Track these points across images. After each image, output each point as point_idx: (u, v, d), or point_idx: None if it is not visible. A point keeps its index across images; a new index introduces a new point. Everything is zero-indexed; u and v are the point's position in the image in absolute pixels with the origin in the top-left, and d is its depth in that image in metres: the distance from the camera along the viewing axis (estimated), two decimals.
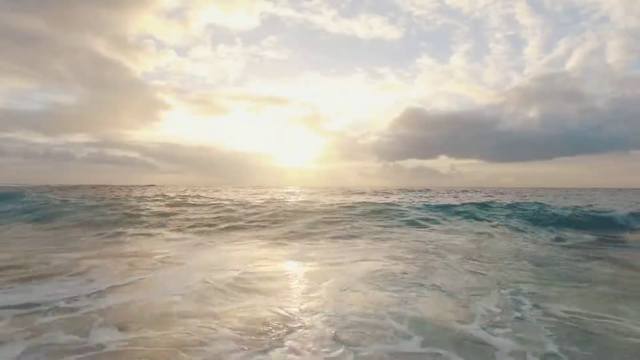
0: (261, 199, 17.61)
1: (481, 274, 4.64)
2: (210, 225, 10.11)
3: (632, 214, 10.90)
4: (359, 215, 10.53)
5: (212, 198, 18.67)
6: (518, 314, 3.13)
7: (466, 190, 45.20)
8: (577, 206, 12.95)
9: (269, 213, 11.54)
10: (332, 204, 13.28)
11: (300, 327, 2.79)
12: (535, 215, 10.88)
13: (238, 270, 4.72)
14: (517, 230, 9.22)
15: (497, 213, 11.51)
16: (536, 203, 14.19)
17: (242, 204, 14.65)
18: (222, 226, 9.99)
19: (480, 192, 40.57)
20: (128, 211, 12.74)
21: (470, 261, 5.40)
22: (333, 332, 2.68)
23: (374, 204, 13.69)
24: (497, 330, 2.77)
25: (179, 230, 9.65)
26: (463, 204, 13.45)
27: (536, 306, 3.35)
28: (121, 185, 66.14)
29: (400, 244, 6.91)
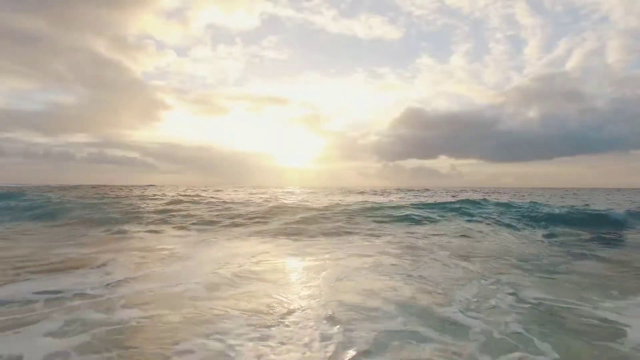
0: (261, 198, 17.98)
1: (467, 267, 5.02)
2: (212, 223, 10.48)
3: (630, 213, 11.03)
4: (356, 213, 10.91)
5: (212, 197, 19.02)
6: (493, 301, 3.51)
7: (465, 190, 45.57)
8: (573, 206, 13.32)
9: (268, 211, 11.91)
10: (330, 203, 13.65)
11: (299, 309, 3.18)
12: (528, 213, 11.22)
13: (242, 263, 5.11)
14: (509, 227, 9.59)
15: (491, 211, 11.88)
16: (531, 202, 14.57)
17: (242, 203, 15.03)
18: (224, 224, 10.36)
19: (479, 191, 40.96)
20: (130, 209, 13.11)
21: (458, 255, 5.78)
22: (329, 313, 3.06)
23: (371, 202, 14.07)
24: (472, 314, 3.14)
25: (182, 227, 10.01)
26: (457, 201, 13.83)
27: (511, 294, 3.73)
28: (121, 185, 66.49)
29: (393, 240, 7.29)
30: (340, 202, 14.87)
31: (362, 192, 33.46)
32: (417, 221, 9.92)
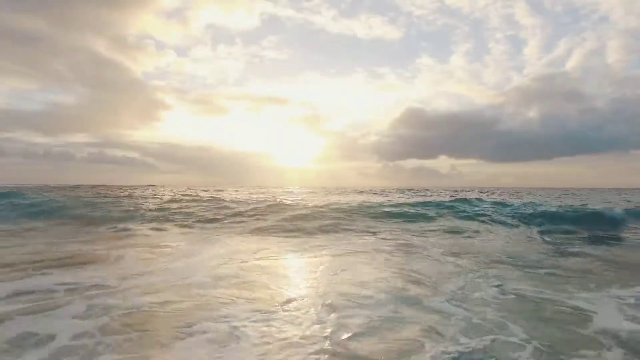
0: (260, 198, 18.27)
1: (456, 262, 5.32)
2: (213, 221, 10.77)
3: (627, 211, 11.16)
4: (353, 212, 11.20)
5: (212, 197, 19.30)
6: (476, 292, 3.80)
7: (463, 190, 45.88)
8: (571, 205, 13.56)
9: (268, 210, 12.19)
10: (328, 202, 13.95)
11: (299, 297, 3.48)
12: (521, 212, 11.49)
13: (244, 259, 5.41)
14: (502, 224, 9.89)
15: (485, 209, 12.17)
16: (524, 202, 14.87)
17: (242, 202, 15.31)
18: (225, 221, 10.65)
19: (477, 191, 41.27)
20: (132, 208, 13.37)
21: (450, 251, 6.09)
22: (326, 301, 3.36)
23: (368, 201, 14.37)
24: (456, 303, 3.44)
25: (184, 225, 10.31)
26: (452, 200, 14.13)
27: (494, 286, 4.03)
28: (121, 185, 66.75)
29: (388, 237, 7.60)
30: (338, 201, 15.17)
31: (360, 192, 33.79)
32: (411, 219, 10.23)
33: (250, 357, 2.25)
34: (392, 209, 11.55)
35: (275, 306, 3.23)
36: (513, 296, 3.72)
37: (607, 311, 3.33)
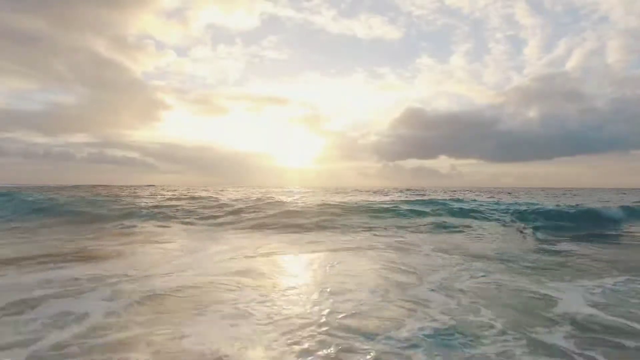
0: (260, 197, 18.67)
1: (444, 256, 5.74)
2: (215, 219, 11.18)
3: (621, 210, 11.51)
4: (350, 210, 11.62)
5: (212, 196, 19.71)
6: (457, 283, 4.22)
7: (463, 190, 46.31)
8: (565, 204, 13.93)
9: (267, 208, 12.59)
10: (326, 201, 14.35)
11: (297, 285, 3.90)
12: (514, 210, 11.82)
13: (247, 253, 5.84)
14: (494, 221, 10.29)
15: (480, 207, 12.57)
16: (524, 202, 15.24)
17: (242, 200, 15.72)
18: (226, 220, 11.05)
19: (475, 191, 41.69)
20: (134, 207, 13.68)
21: (440, 247, 6.50)
22: (322, 288, 3.78)
23: (366, 200, 14.78)
24: (437, 291, 3.86)
25: (187, 223, 10.72)
26: (447, 199, 14.55)
27: (474, 278, 4.45)
28: (121, 185, 67.13)
29: (383, 232, 8.03)
30: (336, 200, 15.58)
31: (359, 192, 34.23)
32: (405, 216, 10.65)
33: (259, 328, 2.68)
34: (388, 207, 11.97)
35: (277, 292, 3.65)
36: (490, 286, 4.13)
37: (572, 298, 3.74)
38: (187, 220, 11.23)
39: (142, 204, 14.63)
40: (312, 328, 2.71)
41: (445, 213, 11.34)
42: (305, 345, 2.40)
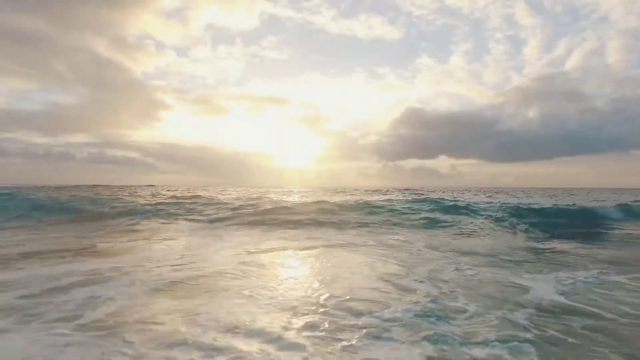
0: (260, 197, 19.10)
1: (433, 250, 6.18)
2: (216, 217, 11.55)
3: (615, 209, 11.79)
4: (348, 208, 12.05)
5: (213, 196, 20.14)
6: (441, 274, 4.65)
7: (463, 190, 46.69)
8: (566, 204, 14.25)
9: (267, 207, 12.99)
10: (325, 199, 14.76)
11: (296, 275, 4.34)
12: (507, 208, 12.12)
13: (249, 248, 6.29)
14: (486, 219, 10.68)
15: (473, 206, 12.95)
16: (518, 201, 15.64)
17: (242, 199, 16.13)
18: (227, 218, 11.41)
19: (474, 191, 42.12)
20: (136, 206, 13.98)
21: (430, 242, 6.93)
22: (319, 278, 4.22)
23: (363, 199, 15.20)
24: (423, 282, 4.28)
25: (190, 220, 11.10)
26: (442, 198, 14.96)
27: (458, 270, 4.88)
28: (122, 185, 67.55)
29: (377, 229, 8.47)
30: (334, 198, 16.01)
31: (359, 191, 34.70)
32: (400, 213, 11.07)
33: (263, 307, 3.12)
34: (385, 204, 12.40)
35: (278, 280, 4.09)
36: (472, 277, 4.56)
37: (543, 288, 4.17)
38: (190, 217, 11.59)
39: (144, 203, 14.96)
40: (309, 308, 3.15)
41: (439, 210, 11.76)
42: (303, 321, 2.84)
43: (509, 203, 14.09)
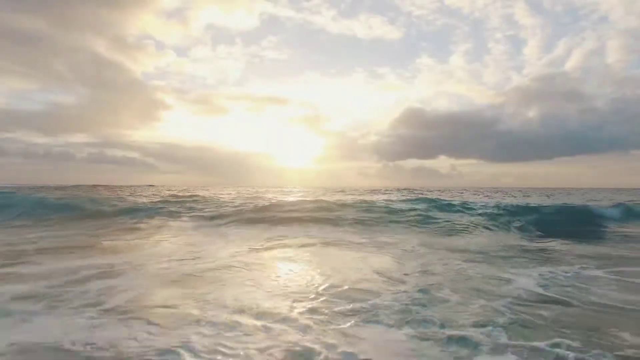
0: (260, 196, 19.45)
1: (426, 247, 6.52)
2: (216, 216, 11.81)
3: (613, 207, 11.94)
4: (346, 206, 12.38)
5: (213, 196, 20.46)
6: (430, 267, 4.98)
7: (463, 190, 47.04)
8: (563, 203, 14.47)
9: (266, 206, 13.30)
10: (324, 198, 15.09)
11: (295, 269, 4.69)
12: (501, 207, 12.40)
13: (251, 244, 6.63)
14: (479, 217, 10.97)
15: (468, 205, 13.25)
16: (519, 200, 15.93)
17: (242, 198, 16.45)
18: (227, 217, 11.69)
19: (470, 191, 42.46)
20: (138, 205, 14.22)
21: (423, 239, 7.27)
22: (317, 270, 4.56)
23: (360, 198, 15.54)
24: (412, 275, 4.62)
25: (192, 218, 11.38)
26: (438, 198, 15.30)
27: (446, 265, 5.22)
28: (121, 185, 67.83)
29: (374, 226, 8.82)
30: (332, 199, 16.34)
31: (358, 191, 35.04)
32: (397, 211, 11.40)
33: (267, 294, 3.47)
34: (382, 204, 12.74)
35: (280, 273, 4.44)
36: (459, 272, 4.89)
37: (525, 281, 4.50)
38: (191, 215, 11.83)
39: (146, 201, 15.23)
40: (308, 295, 3.49)
41: (434, 209, 12.08)
42: (302, 306, 3.19)
43: (504, 202, 14.43)
